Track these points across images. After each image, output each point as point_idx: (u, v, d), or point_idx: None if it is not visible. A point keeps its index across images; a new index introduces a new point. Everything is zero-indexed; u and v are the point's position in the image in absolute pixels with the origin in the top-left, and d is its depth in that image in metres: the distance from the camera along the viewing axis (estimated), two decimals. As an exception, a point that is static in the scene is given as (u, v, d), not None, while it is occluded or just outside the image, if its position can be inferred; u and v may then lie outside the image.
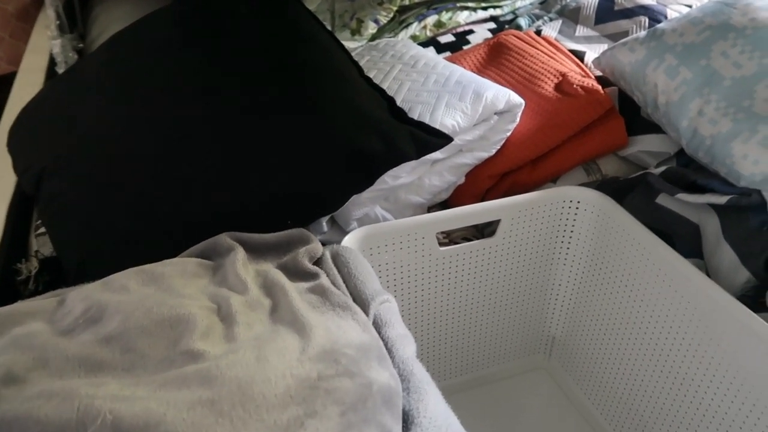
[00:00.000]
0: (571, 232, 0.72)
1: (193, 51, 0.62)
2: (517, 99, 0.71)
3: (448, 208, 0.77)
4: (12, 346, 0.42)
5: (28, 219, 0.68)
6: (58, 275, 0.61)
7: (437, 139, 0.61)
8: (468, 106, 0.68)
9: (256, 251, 0.55)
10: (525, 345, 0.80)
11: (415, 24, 1.07)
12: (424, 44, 1.05)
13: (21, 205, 0.69)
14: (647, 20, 0.92)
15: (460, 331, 0.74)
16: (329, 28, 1.07)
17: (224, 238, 0.54)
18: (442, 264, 0.68)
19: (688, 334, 0.59)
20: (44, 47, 1.06)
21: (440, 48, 1.04)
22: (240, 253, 0.53)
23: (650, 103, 0.74)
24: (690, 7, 0.94)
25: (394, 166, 0.60)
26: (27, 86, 0.93)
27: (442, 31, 1.08)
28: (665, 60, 0.72)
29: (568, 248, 0.73)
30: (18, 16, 1.34)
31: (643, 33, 0.77)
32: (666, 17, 0.91)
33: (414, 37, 1.06)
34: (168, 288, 0.48)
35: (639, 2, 0.95)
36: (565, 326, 0.78)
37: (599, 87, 0.76)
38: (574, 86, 0.76)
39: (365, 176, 0.58)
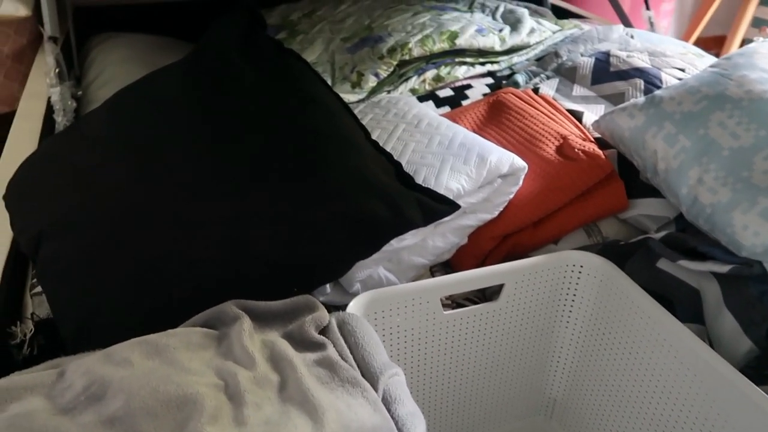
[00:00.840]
0: (574, 295, 0.72)
1: (201, 113, 0.62)
2: (520, 163, 0.72)
3: (450, 267, 0.77)
4: (11, 428, 0.41)
5: (24, 277, 0.67)
6: (53, 339, 0.60)
7: (444, 206, 0.61)
8: (473, 170, 0.69)
9: (261, 319, 0.54)
10: (526, 407, 0.79)
11: (415, 78, 1.09)
12: (424, 98, 1.06)
13: (16, 262, 0.67)
14: (643, 83, 0.94)
15: (463, 393, 0.73)
16: (329, 79, 1.08)
17: (230, 307, 0.53)
18: (445, 327, 0.67)
19: (688, 402, 0.59)
20: (41, 92, 1.05)
21: (439, 101, 1.06)
22: (246, 323, 0.52)
23: (650, 169, 0.75)
24: (683, 71, 0.97)
25: (402, 234, 0.60)
26: (24, 133, 0.92)
27: (440, 85, 1.09)
28: (664, 127, 0.73)
29: (570, 312, 0.73)
30: (14, 57, 1.33)
31: (641, 99, 0.79)
32: (661, 81, 0.94)
33: (413, 91, 1.08)
34: (173, 361, 0.47)
35: (634, 65, 0.98)
36: (566, 389, 0.77)
37: (600, 152, 0.78)
38: (576, 150, 0.77)
39: (372, 243, 0.58)
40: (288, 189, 0.57)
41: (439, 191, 0.65)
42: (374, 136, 0.75)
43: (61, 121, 0.95)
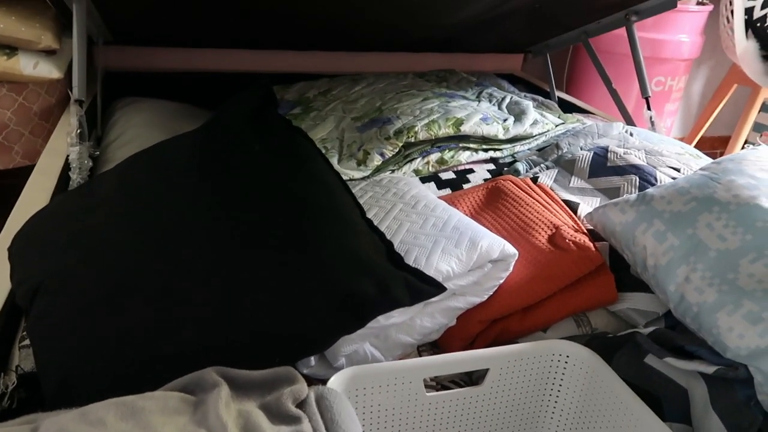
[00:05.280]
0: (560, 385, 0.71)
1: (205, 183, 0.65)
2: (511, 250, 0.73)
3: (438, 348, 0.78)
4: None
5: (14, 330, 0.68)
6: (35, 393, 0.60)
7: (431, 288, 0.63)
8: (463, 253, 0.71)
9: (240, 388, 0.55)
10: (508, 501, 0.77)
11: (419, 159, 1.13)
12: (426, 179, 1.10)
13: (10, 315, 0.68)
14: (638, 180, 0.97)
15: (441, 481, 0.71)
16: (337, 155, 1.13)
17: (209, 373, 0.54)
18: (427, 409, 0.67)
19: None
20: (61, 150, 1.10)
21: (441, 183, 1.09)
22: (224, 391, 0.52)
23: (639, 264, 0.76)
24: (678, 170, 1.00)
25: (387, 312, 0.61)
26: (39, 187, 0.96)
27: (443, 167, 1.13)
28: (654, 225, 0.75)
29: (556, 401, 0.72)
30: (41, 115, 1.40)
31: (633, 195, 0.81)
32: (655, 178, 0.96)
33: (417, 171, 1.11)
34: (146, 426, 0.47)
35: (630, 162, 1.01)
36: (550, 484, 0.75)
37: (590, 244, 0.79)
38: (567, 241, 0.79)
39: (357, 319, 0.59)
40: (279, 260, 0.59)
41: (428, 272, 0.67)
42: (371, 214, 0.78)
43: (75, 178, 0.99)
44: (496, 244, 0.73)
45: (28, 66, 1.24)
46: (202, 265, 0.58)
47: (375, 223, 0.73)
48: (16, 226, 0.74)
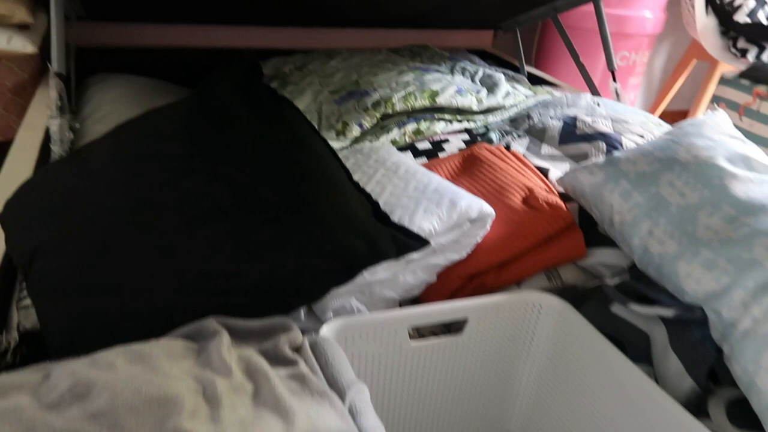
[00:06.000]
0: (533, 333, 0.76)
1: (197, 148, 0.68)
2: (488, 209, 0.78)
3: (419, 303, 0.82)
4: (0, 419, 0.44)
5: (11, 290, 0.70)
6: (37, 350, 0.62)
7: (416, 242, 0.67)
8: (444, 213, 0.75)
9: (239, 336, 0.58)
10: (486, 443, 0.82)
11: (396, 130, 1.16)
12: (403, 148, 1.13)
13: (5, 276, 0.70)
14: (605, 145, 1.02)
15: (425, 422, 0.76)
16: (316, 126, 1.15)
17: (211, 323, 0.57)
18: (411, 357, 0.71)
19: (639, 439, 0.63)
20: (39, 125, 1.10)
21: (417, 153, 1.13)
22: (225, 338, 0.56)
23: (606, 221, 0.82)
24: (642, 137, 1.05)
25: (376, 264, 0.65)
26: (21, 161, 0.97)
27: (419, 138, 1.17)
28: (620, 184, 0.81)
29: (529, 348, 0.77)
30: (14, 91, 1.39)
31: (601, 158, 0.87)
32: (621, 144, 1.02)
33: (394, 142, 1.15)
34: (155, 368, 0.51)
35: (598, 129, 1.06)
36: (524, 424, 0.81)
37: (562, 203, 0.84)
38: (540, 201, 0.84)
39: (347, 272, 0.63)
40: (272, 217, 0.62)
41: (412, 230, 0.71)
42: (355, 178, 0.81)
43: (57, 151, 1.00)
44: (474, 204, 0.77)
45: (1, 40, 1.23)
46: (198, 223, 0.61)
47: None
48: (2, 197, 0.75)
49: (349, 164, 0.89)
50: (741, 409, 0.64)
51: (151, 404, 0.45)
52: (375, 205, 0.69)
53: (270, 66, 1.53)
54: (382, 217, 0.67)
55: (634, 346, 0.74)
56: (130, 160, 0.69)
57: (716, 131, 0.84)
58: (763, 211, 0.69)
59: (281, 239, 0.62)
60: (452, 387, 0.75)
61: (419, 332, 0.77)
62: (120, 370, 0.50)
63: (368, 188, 0.81)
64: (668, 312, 0.70)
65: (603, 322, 0.75)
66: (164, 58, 1.64)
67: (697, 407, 0.66)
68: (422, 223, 0.74)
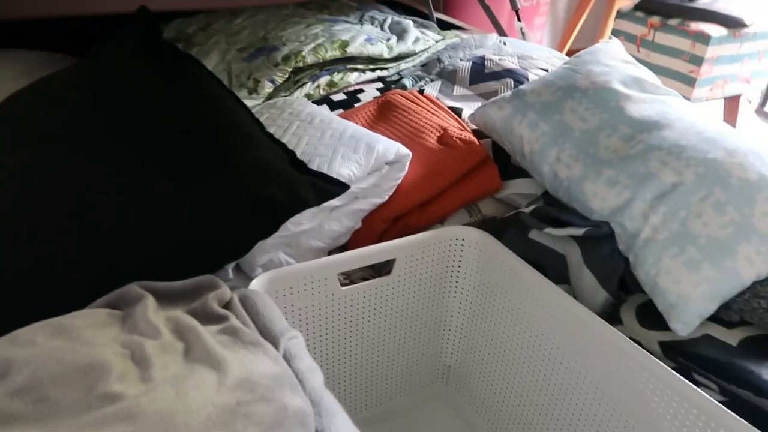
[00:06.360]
0: (459, 266, 0.80)
1: (101, 110, 0.64)
2: (404, 150, 0.79)
3: (347, 251, 0.83)
4: None
5: None
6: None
7: (335, 187, 0.67)
8: (362, 157, 0.76)
9: (165, 299, 0.57)
10: (424, 376, 0.86)
11: (309, 84, 1.15)
12: (318, 102, 1.12)
13: None
14: (512, 81, 1.05)
15: (364, 366, 0.78)
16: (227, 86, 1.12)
17: (133, 288, 0.56)
18: (343, 303, 0.73)
19: (562, 350, 0.68)
20: None
21: (333, 105, 1.12)
22: (150, 301, 0.55)
23: (518, 152, 0.85)
24: (546, 71, 1.09)
25: (297, 213, 0.65)
26: None
27: (334, 90, 1.16)
28: (527, 116, 0.84)
29: (457, 282, 0.81)
30: None
31: (509, 93, 0.89)
32: (527, 79, 1.05)
33: (308, 96, 1.14)
34: (78, 338, 0.49)
35: (505, 66, 1.09)
36: (459, 355, 0.85)
37: (475, 139, 0.87)
38: (454, 138, 0.86)
39: (270, 223, 0.63)
40: (191, 174, 0.61)
41: (331, 176, 0.71)
42: (270, 131, 0.80)
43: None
44: (391, 147, 0.78)
45: None
46: (115, 182, 0.59)
47: (275, 139, 0.75)
48: None
49: (263, 119, 0.88)
50: (649, 312, 0.70)
51: (77, 373, 0.44)
52: (291, 154, 0.69)
53: (172, 28, 1.46)
54: (300, 166, 0.67)
55: (553, 268, 0.79)
56: (33, 126, 0.65)
57: (611, 57, 0.89)
58: (657, 127, 0.74)
59: (202, 194, 0.61)
60: (387, 328, 0.78)
61: (351, 280, 0.79)
62: (41, 345, 0.48)
63: (284, 140, 0.80)
64: (579, 231, 0.74)
65: (523, 249, 0.79)
66: (52, 28, 1.52)
67: (611, 315, 0.71)
68: (341, 170, 0.74)
